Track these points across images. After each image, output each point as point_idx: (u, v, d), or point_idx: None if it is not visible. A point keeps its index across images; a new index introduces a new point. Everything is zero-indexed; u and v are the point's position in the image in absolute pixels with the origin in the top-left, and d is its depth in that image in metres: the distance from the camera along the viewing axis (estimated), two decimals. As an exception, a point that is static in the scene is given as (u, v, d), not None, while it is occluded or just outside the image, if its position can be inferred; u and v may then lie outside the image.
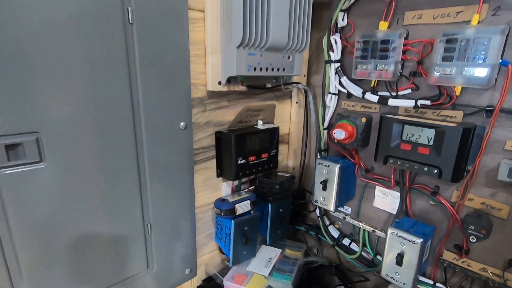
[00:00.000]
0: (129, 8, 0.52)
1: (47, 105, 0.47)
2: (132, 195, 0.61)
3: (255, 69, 0.65)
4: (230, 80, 0.67)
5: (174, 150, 0.65)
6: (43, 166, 0.48)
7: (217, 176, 0.77)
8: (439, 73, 0.57)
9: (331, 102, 0.78)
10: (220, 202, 0.75)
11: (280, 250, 0.86)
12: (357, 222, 0.81)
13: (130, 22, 0.52)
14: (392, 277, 0.64)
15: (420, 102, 0.62)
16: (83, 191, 0.54)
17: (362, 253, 0.81)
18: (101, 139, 0.54)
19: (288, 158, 0.97)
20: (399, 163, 0.64)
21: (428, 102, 0.61)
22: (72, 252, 0.55)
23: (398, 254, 0.62)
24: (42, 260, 0.52)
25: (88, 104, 0.51)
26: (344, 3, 0.68)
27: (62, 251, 0.54)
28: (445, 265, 0.66)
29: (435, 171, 0.59)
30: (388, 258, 0.64)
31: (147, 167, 0.61)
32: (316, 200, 0.79)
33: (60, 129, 0.49)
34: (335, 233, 0.87)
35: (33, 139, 0.46)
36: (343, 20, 0.72)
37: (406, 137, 0.63)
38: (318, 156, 0.83)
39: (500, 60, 0.51)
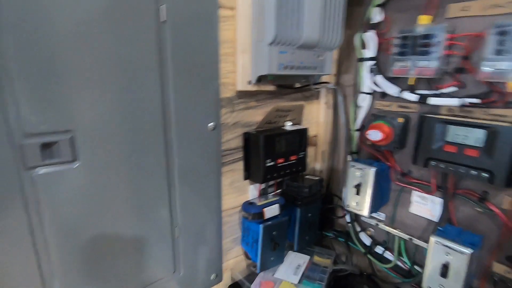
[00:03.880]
0: (162, 7, 0.51)
1: (82, 104, 0.46)
2: (161, 196, 0.59)
3: (286, 67, 0.63)
4: (260, 80, 0.65)
5: (203, 152, 0.63)
6: (77, 165, 0.48)
7: (244, 179, 0.75)
8: (491, 68, 0.52)
9: (364, 102, 0.74)
10: (248, 206, 0.72)
11: (309, 257, 0.83)
12: (391, 229, 0.76)
13: (162, 20, 0.52)
14: (435, 290, 0.59)
15: (468, 100, 0.57)
16: (114, 192, 0.53)
17: (398, 262, 0.76)
18: (132, 139, 0.53)
19: (315, 160, 0.93)
20: (442, 166, 0.60)
21: (477, 100, 0.56)
22: (101, 254, 0.54)
23: (443, 265, 0.57)
24: (73, 261, 0.51)
25: (120, 104, 0.50)
26: (380, -3, 0.65)
27: (92, 252, 0.53)
28: (495, 278, 0.60)
29: (486, 175, 0.54)
30: (431, 269, 0.59)
31: (176, 169, 0.60)
32: (348, 205, 0.75)
33: (94, 129, 0.48)
34: (367, 241, 0.82)
35: (67, 138, 0.46)
36: (378, 15, 0.68)
37: (451, 138, 0.58)
38: (350, 159, 0.79)
39: None
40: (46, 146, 0.45)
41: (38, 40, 0.41)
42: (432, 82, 0.63)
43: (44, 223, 0.47)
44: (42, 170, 0.45)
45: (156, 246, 0.61)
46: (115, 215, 0.54)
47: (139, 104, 0.52)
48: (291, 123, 0.78)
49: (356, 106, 0.76)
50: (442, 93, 0.62)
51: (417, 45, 0.61)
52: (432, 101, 0.62)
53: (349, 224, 0.83)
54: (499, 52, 0.51)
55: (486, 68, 0.53)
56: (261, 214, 0.71)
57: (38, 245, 0.47)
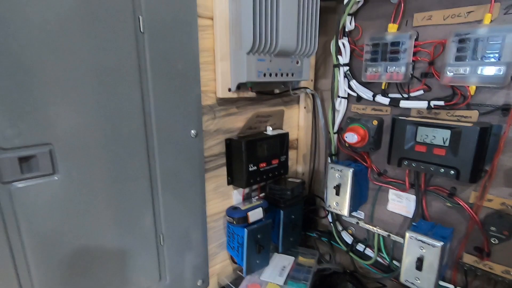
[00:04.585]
0: (140, 17, 0.52)
1: (60, 116, 0.46)
2: (144, 205, 0.59)
3: (264, 74, 0.65)
4: (239, 87, 0.67)
5: (186, 158, 0.64)
6: (56, 178, 0.47)
7: (228, 184, 0.76)
8: (452, 73, 0.56)
9: (341, 105, 0.78)
10: (232, 211, 0.73)
11: (294, 258, 0.84)
12: (371, 226, 0.79)
13: (141, 31, 0.52)
14: (412, 283, 0.62)
15: (433, 103, 0.61)
16: (95, 203, 0.53)
17: (378, 258, 0.79)
18: (113, 149, 0.53)
19: (297, 163, 0.96)
20: (414, 165, 0.63)
21: (442, 103, 0.60)
22: (84, 266, 0.54)
23: (418, 258, 0.60)
24: (54, 274, 0.51)
25: (100, 114, 0.50)
26: (351, 7, 0.69)
27: (74, 265, 0.53)
28: (465, 268, 0.65)
29: (452, 172, 0.58)
30: (407, 263, 0.63)
31: (159, 177, 0.60)
32: (329, 206, 0.78)
33: (73, 140, 0.48)
34: (349, 239, 0.85)
35: (46, 151, 0.46)
36: (350, 24, 0.72)
37: (421, 139, 0.62)
38: (329, 161, 0.82)
39: (515, 58, 0.51)
40: (24, 160, 0.44)
41: (9, 51, 0.41)
42: (403, 86, 0.67)
43: (23, 237, 0.46)
44: (20, 184, 0.45)
45: (141, 255, 0.61)
46: (97, 226, 0.54)
47: (120, 114, 0.52)
48: (272, 128, 0.80)
49: (334, 110, 0.79)
50: (411, 96, 0.66)
51: (387, 52, 0.65)
52: (403, 104, 0.66)
53: (331, 224, 0.86)
54: (459, 58, 0.55)
55: (449, 73, 0.57)
56: (245, 218, 0.72)
57: (17, 259, 0.47)
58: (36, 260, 0.48)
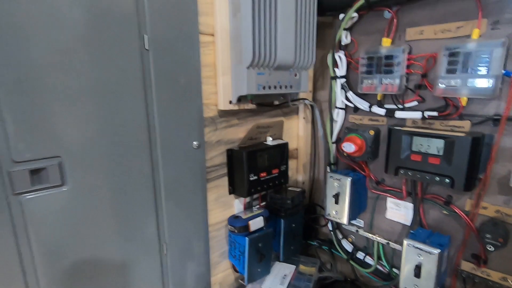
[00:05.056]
0: (145, 36, 0.55)
1: (69, 129, 0.49)
2: (148, 215, 0.61)
3: (264, 87, 0.67)
4: (240, 99, 0.69)
5: (188, 169, 0.66)
6: (64, 189, 0.49)
7: (229, 194, 0.78)
8: (444, 85, 0.59)
9: (338, 116, 0.80)
10: (234, 219, 0.75)
11: (294, 267, 0.85)
12: (370, 234, 0.80)
13: (146, 48, 0.55)
14: (411, 290, 0.63)
15: (427, 113, 0.63)
16: (102, 213, 0.55)
17: (378, 266, 0.80)
18: (119, 161, 0.55)
19: (297, 172, 0.97)
20: (410, 174, 0.65)
21: (435, 113, 0.62)
22: (89, 273, 0.55)
23: (416, 266, 0.61)
24: (61, 281, 0.52)
25: (107, 128, 0.53)
26: (346, 22, 0.72)
27: (80, 272, 0.54)
28: (464, 275, 0.65)
29: (447, 180, 0.60)
30: (406, 271, 0.64)
31: (163, 187, 0.62)
32: (329, 214, 0.79)
33: (81, 152, 0.50)
34: (349, 247, 0.86)
35: (56, 163, 0.48)
36: (346, 38, 0.74)
37: (416, 148, 0.64)
38: (328, 170, 0.84)
39: (503, 71, 0.53)
40: (34, 172, 0.47)
41: (22, 69, 0.43)
42: (397, 97, 0.70)
43: (32, 247, 0.48)
44: (30, 195, 0.47)
45: (144, 264, 0.63)
46: (102, 235, 0.56)
47: (125, 127, 0.55)
48: (272, 138, 0.82)
49: (332, 120, 0.82)
50: (406, 107, 0.68)
51: (382, 65, 0.67)
52: (398, 114, 0.68)
53: (331, 232, 0.87)
54: (450, 71, 0.58)
55: (441, 85, 0.59)
56: (246, 227, 0.74)
57: (26, 267, 0.48)
58: (44, 268, 0.50)
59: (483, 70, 0.54)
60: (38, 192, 0.47)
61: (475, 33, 0.56)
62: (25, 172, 0.46)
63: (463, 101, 0.59)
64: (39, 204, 0.47)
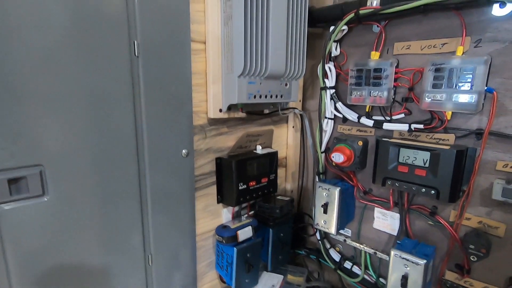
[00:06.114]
0: (135, 42, 0.54)
1: (52, 137, 0.47)
2: (133, 225, 0.59)
3: (255, 96, 0.67)
4: (230, 108, 0.69)
5: (176, 178, 0.64)
6: (45, 199, 0.47)
7: (218, 202, 0.77)
8: (430, 99, 0.60)
9: (328, 126, 0.81)
10: (222, 229, 0.74)
11: (282, 277, 0.85)
12: (358, 244, 0.81)
13: (136, 55, 0.54)
14: (398, 301, 0.64)
15: (414, 126, 0.65)
16: (84, 223, 0.53)
17: (365, 276, 0.80)
18: (104, 170, 0.53)
19: (286, 181, 0.97)
20: (397, 184, 0.66)
21: (421, 126, 0.64)
22: (71, 286, 0.53)
23: (403, 276, 0.62)
24: (39, 299, 0.50)
25: (93, 135, 0.51)
26: (336, 34, 0.73)
27: (62, 285, 0.51)
28: (448, 285, 0.67)
29: (433, 192, 0.61)
30: (393, 281, 0.64)
31: (149, 196, 0.60)
32: (317, 224, 0.79)
33: (64, 161, 0.48)
34: (337, 257, 0.86)
35: (37, 172, 0.46)
36: (336, 49, 0.76)
37: (403, 160, 0.65)
38: (317, 179, 0.84)
39: (486, 87, 0.55)
40: (13, 181, 0.44)
41: (2, 74, 0.41)
42: (385, 109, 0.71)
43: (8, 259, 0.45)
44: (8, 206, 0.44)
45: (129, 276, 0.61)
46: (85, 247, 0.53)
47: (112, 135, 0.53)
48: (262, 147, 0.82)
49: (322, 130, 0.82)
50: (393, 119, 0.70)
51: (370, 77, 0.69)
52: (386, 126, 0.70)
53: (319, 242, 0.87)
54: (435, 86, 0.59)
55: (427, 98, 0.61)
56: (235, 237, 0.72)
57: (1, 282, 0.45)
58: (20, 281, 0.47)
59: (466, 86, 0.56)
60: (16, 202, 0.45)
61: (459, 50, 0.58)
62: (3, 181, 0.43)
63: (448, 115, 0.61)
64: (17, 215, 0.45)
